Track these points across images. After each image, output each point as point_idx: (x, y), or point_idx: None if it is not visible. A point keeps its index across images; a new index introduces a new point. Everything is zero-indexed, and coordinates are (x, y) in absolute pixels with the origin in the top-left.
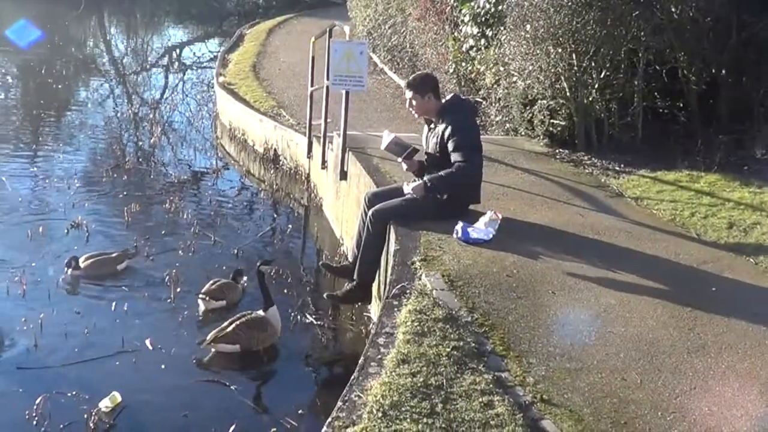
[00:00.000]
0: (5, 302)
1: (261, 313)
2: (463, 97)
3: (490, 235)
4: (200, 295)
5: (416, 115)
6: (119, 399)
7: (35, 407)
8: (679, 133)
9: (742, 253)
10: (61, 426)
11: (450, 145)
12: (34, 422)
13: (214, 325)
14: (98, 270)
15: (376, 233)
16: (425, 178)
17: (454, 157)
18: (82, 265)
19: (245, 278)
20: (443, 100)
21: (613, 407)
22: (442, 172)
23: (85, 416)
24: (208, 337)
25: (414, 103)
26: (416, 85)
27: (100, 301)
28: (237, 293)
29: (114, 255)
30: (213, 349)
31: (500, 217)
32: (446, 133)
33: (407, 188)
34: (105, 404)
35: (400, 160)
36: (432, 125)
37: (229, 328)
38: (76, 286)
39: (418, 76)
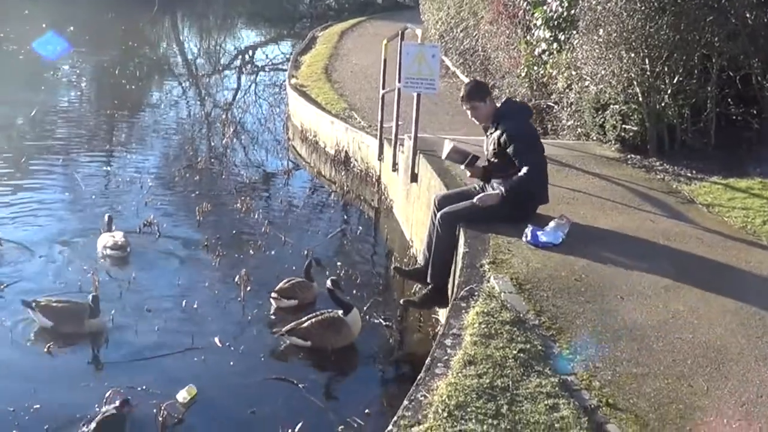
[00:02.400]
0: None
1: (340, 313)
2: (516, 101)
3: (560, 239)
4: (272, 294)
5: (477, 123)
6: (195, 391)
7: (104, 401)
8: (752, 140)
9: None
10: (132, 419)
11: (510, 151)
12: None
13: (284, 324)
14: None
15: (446, 236)
16: (502, 190)
17: (518, 163)
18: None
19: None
20: (498, 105)
21: (679, 413)
22: (514, 179)
23: (155, 410)
24: (284, 329)
25: (477, 111)
26: (473, 94)
27: (170, 299)
28: (311, 293)
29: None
30: (286, 341)
31: (570, 221)
32: (502, 140)
33: (476, 200)
34: (182, 395)
35: (462, 167)
36: (489, 131)
37: (305, 324)
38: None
39: (471, 85)
